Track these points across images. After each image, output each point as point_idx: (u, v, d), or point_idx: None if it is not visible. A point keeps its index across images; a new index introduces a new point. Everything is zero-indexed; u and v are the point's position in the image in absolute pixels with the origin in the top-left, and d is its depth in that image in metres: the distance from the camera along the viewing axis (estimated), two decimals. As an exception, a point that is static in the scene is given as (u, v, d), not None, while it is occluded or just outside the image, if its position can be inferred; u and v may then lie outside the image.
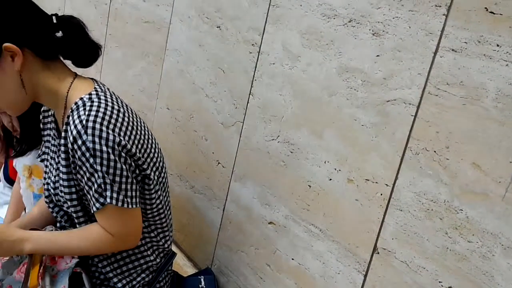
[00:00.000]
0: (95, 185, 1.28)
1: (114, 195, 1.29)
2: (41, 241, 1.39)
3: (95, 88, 1.38)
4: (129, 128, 1.33)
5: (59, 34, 1.35)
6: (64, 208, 1.48)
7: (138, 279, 1.52)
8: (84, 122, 1.25)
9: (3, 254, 1.39)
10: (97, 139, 1.24)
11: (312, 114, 1.42)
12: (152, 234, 1.51)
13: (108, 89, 1.41)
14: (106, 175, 1.27)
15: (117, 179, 1.28)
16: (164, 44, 2.10)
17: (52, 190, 1.48)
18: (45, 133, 1.56)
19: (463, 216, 1.05)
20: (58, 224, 1.57)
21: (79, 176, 1.31)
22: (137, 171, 1.35)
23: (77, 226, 1.45)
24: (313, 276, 1.41)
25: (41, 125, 1.59)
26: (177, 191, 1.99)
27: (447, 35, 1.09)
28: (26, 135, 1.76)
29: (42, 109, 1.57)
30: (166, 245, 1.56)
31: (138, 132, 1.36)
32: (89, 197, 1.32)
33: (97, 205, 1.30)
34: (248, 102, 1.65)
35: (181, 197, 1.96)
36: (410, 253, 1.16)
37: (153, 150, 1.42)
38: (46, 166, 1.55)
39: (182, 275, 1.70)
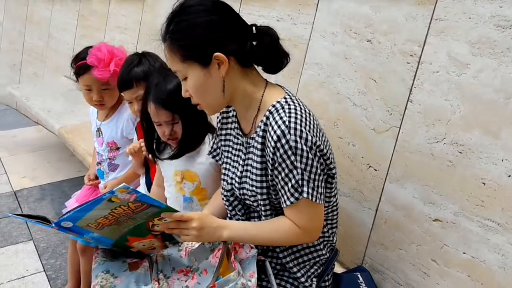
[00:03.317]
0: (292, 181, 1.41)
1: (310, 190, 1.42)
2: (236, 230, 1.52)
3: (286, 93, 1.53)
4: (318, 129, 1.47)
5: (255, 42, 1.49)
6: (248, 202, 1.60)
7: (312, 270, 1.63)
8: (287, 123, 1.40)
9: (204, 239, 1.51)
10: (298, 139, 1.38)
11: (485, 116, 1.53)
12: (325, 229, 1.63)
13: (293, 94, 1.56)
14: (304, 172, 1.40)
15: (312, 176, 1.42)
16: (301, 59, 2.26)
17: (236, 185, 1.61)
18: (223, 132, 1.71)
19: None
20: (228, 215, 1.70)
21: (275, 172, 1.45)
22: (325, 170, 1.49)
23: (261, 219, 1.59)
24: (489, 268, 1.51)
25: (219, 125, 1.74)
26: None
27: None
28: (188, 141, 1.86)
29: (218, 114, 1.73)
30: (334, 240, 1.68)
31: (323, 133, 1.50)
32: (282, 192, 1.45)
33: (292, 199, 1.43)
34: (406, 108, 1.78)
35: (325, 200, 2.08)
36: None
37: (330, 150, 1.55)
38: (226, 163, 1.69)
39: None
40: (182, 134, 1.83)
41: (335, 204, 1.62)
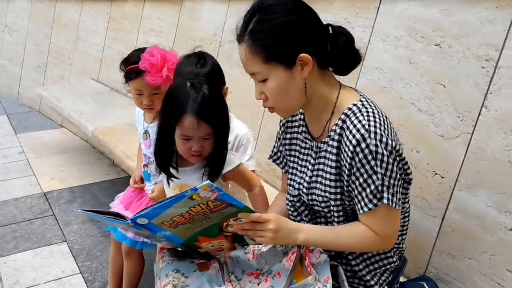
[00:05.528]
0: (372, 187, 1.37)
1: (390, 196, 1.37)
2: (311, 233, 1.47)
3: (361, 95, 1.50)
4: (394, 133, 1.44)
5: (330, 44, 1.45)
6: (316, 208, 1.56)
7: (383, 278, 1.59)
8: (366, 126, 1.36)
9: (279, 241, 1.46)
10: (379, 143, 1.34)
11: None
12: (395, 236, 1.58)
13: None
14: (384, 177, 1.36)
15: (392, 181, 1.37)
16: (359, 63, 2.22)
17: (304, 190, 1.57)
18: (288, 136, 1.67)
19: None
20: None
21: (352, 177, 1.40)
22: (403, 175, 1.44)
23: (327, 224, 1.55)
24: None
25: (282, 128, 1.70)
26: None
27: None
28: (218, 158, 1.71)
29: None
30: (403, 247, 1.63)
31: (398, 138, 1.46)
32: (359, 197, 1.40)
33: (370, 205, 1.38)
34: (479, 114, 1.73)
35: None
36: None
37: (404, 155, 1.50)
38: (293, 168, 1.65)
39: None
40: (215, 152, 1.67)
41: (407, 210, 1.58)
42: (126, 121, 3.67)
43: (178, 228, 1.45)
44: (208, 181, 1.29)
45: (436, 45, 1.90)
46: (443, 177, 1.85)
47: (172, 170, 1.72)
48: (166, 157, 1.71)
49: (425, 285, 1.74)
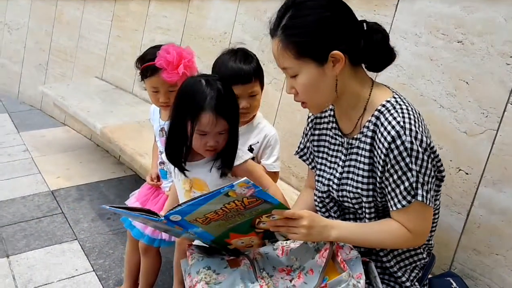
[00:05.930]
0: (406, 183, 1.37)
1: (424, 193, 1.38)
2: (344, 230, 1.48)
3: (393, 92, 1.50)
4: (427, 130, 1.44)
5: (364, 40, 1.46)
6: (346, 204, 1.56)
7: (413, 274, 1.60)
8: (401, 123, 1.36)
9: (312, 238, 1.46)
10: (414, 140, 1.35)
11: None
12: (425, 232, 1.58)
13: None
14: (419, 174, 1.36)
15: (426, 178, 1.38)
16: (378, 60, 2.22)
17: (334, 186, 1.57)
18: (316, 132, 1.68)
19: None
20: None
21: (386, 174, 1.40)
22: (435, 172, 1.45)
23: (356, 221, 1.57)
24: None
25: (310, 124, 1.70)
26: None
27: None
28: (230, 151, 1.72)
29: (311, 113, 1.69)
30: (432, 244, 1.64)
31: (431, 134, 1.47)
32: (392, 194, 1.41)
33: (404, 202, 1.39)
34: (505, 111, 1.74)
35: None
36: None
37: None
38: (321, 164, 1.65)
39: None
40: (228, 146, 1.69)
41: (438, 207, 1.59)
42: (134, 119, 3.67)
43: (210, 225, 1.44)
44: (245, 178, 1.29)
45: (458, 42, 1.91)
46: (467, 174, 1.85)
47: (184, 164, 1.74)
48: (179, 152, 1.72)
49: (451, 281, 1.75)
